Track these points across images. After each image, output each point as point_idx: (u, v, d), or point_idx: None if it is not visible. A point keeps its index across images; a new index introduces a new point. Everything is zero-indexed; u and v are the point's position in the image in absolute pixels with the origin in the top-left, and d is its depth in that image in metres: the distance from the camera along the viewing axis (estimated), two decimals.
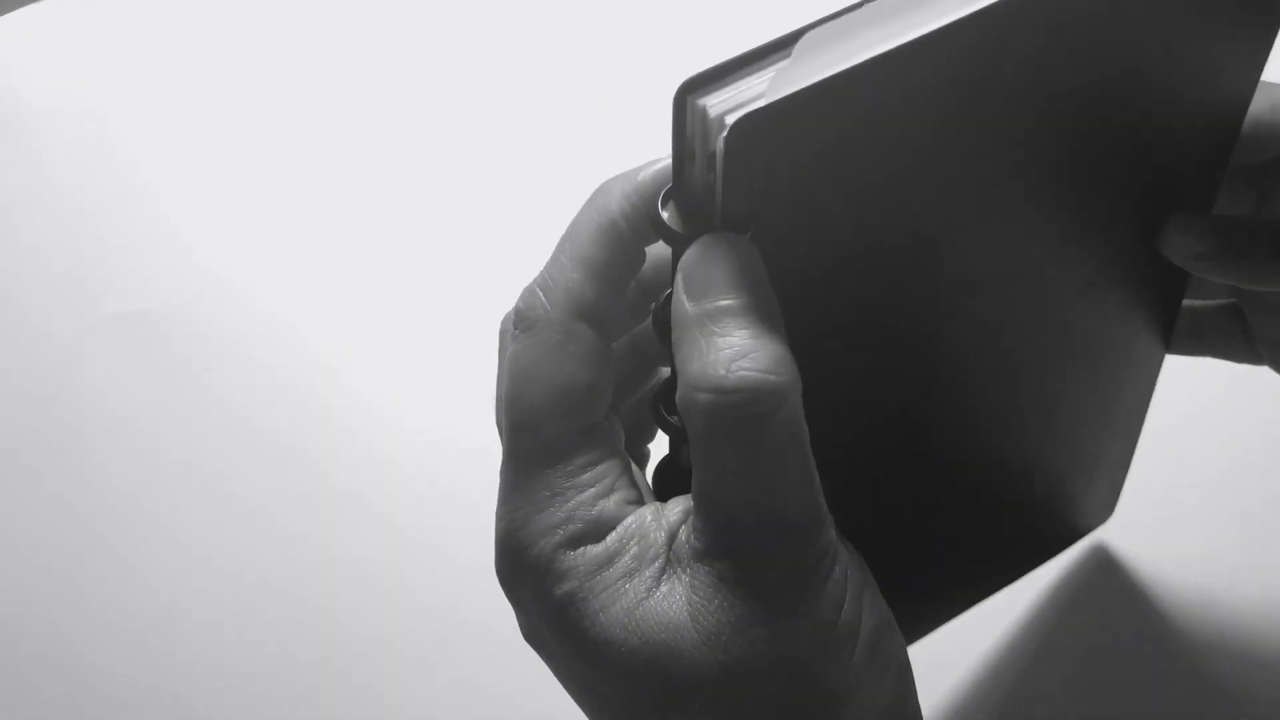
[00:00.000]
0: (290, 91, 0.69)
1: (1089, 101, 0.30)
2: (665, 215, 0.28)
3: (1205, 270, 0.35)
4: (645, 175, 0.29)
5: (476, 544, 0.54)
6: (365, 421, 0.57)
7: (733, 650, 0.26)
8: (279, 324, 0.60)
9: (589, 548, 0.28)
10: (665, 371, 0.34)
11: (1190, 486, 0.52)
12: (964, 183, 0.30)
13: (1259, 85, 0.34)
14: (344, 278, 0.62)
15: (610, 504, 0.28)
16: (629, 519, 0.28)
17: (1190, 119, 0.34)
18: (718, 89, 0.26)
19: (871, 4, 0.26)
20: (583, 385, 0.29)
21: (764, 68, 0.26)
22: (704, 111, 0.26)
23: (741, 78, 0.26)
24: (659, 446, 0.34)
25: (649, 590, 0.27)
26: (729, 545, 0.27)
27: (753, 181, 0.26)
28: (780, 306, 0.27)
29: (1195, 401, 0.53)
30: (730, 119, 0.25)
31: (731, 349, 0.26)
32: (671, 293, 0.28)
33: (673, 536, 0.28)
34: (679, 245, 0.28)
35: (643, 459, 0.36)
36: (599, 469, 0.29)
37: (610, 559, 0.28)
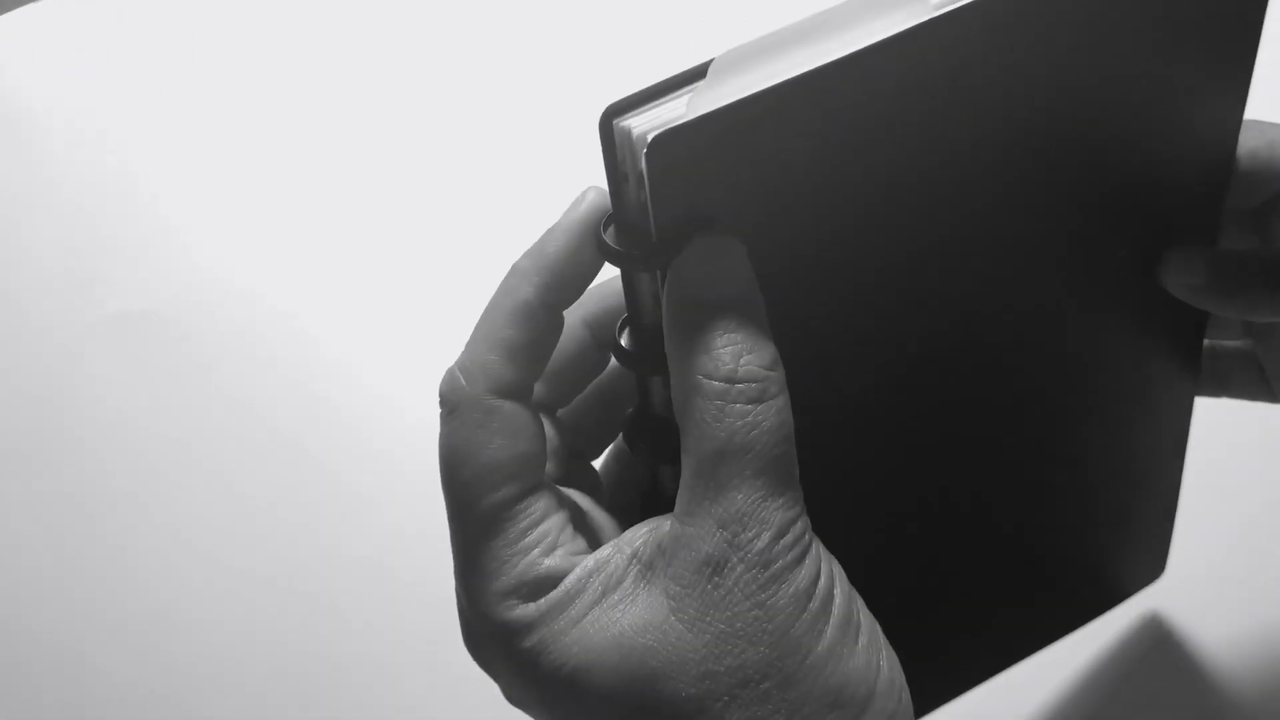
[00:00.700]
0: (290, 91, 0.69)
1: (1038, 128, 0.31)
2: (607, 237, 0.29)
3: (1203, 301, 0.37)
4: (551, 249, 0.30)
5: None
6: (366, 420, 0.57)
7: (718, 624, 0.27)
8: (279, 323, 0.60)
9: (546, 597, 0.29)
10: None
11: (1248, 544, 0.49)
12: (914, 202, 0.30)
13: (1252, 124, 0.35)
14: (344, 276, 0.62)
15: (557, 558, 0.29)
16: (586, 561, 0.29)
17: (1177, 149, 0.34)
18: (641, 112, 0.27)
19: (785, 29, 0.27)
20: (508, 458, 0.30)
21: (686, 91, 0.28)
22: (629, 133, 0.27)
23: (665, 101, 0.28)
24: None
25: (626, 603, 0.28)
26: (718, 514, 0.27)
27: (682, 195, 0.27)
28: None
29: (1246, 450, 0.50)
30: (651, 137, 0.26)
31: (735, 345, 0.28)
32: (628, 318, 0.30)
33: (636, 554, 0.29)
34: (623, 264, 0.29)
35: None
36: (540, 529, 0.30)
37: (571, 599, 0.29)
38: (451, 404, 0.30)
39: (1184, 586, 0.47)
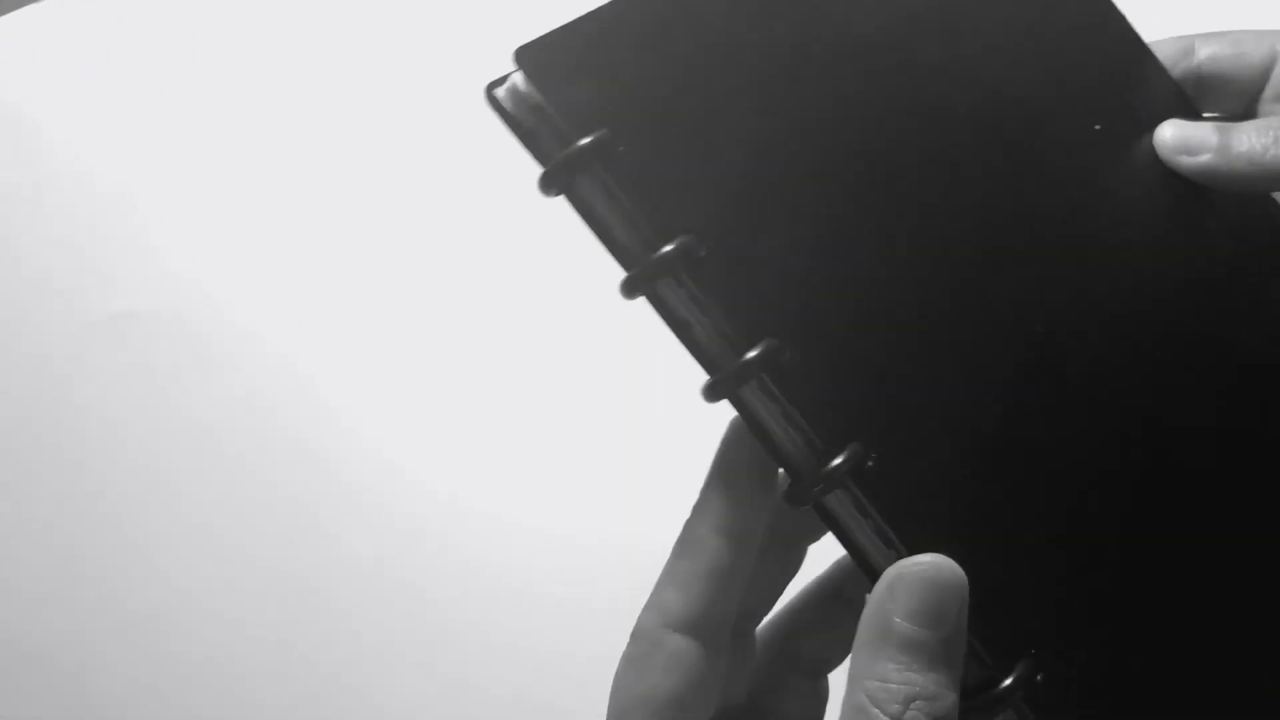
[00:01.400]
0: (290, 91, 0.69)
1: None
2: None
3: (1193, 170, 0.33)
4: (709, 485, 0.30)
5: (477, 543, 0.54)
6: (367, 420, 0.57)
7: None
8: (279, 323, 0.60)
9: None
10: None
11: None
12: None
13: (1211, 36, 0.34)
14: (345, 276, 0.62)
15: None
16: None
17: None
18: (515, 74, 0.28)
19: None
20: (664, 693, 0.29)
21: None
22: (508, 84, 0.28)
23: None
24: None
25: None
26: None
27: (574, 94, 0.27)
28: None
29: None
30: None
31: (915, 687, 0.26)
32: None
33: None
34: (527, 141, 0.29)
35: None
36: None
37: None
38: (633, 634, 0.30)
39: None
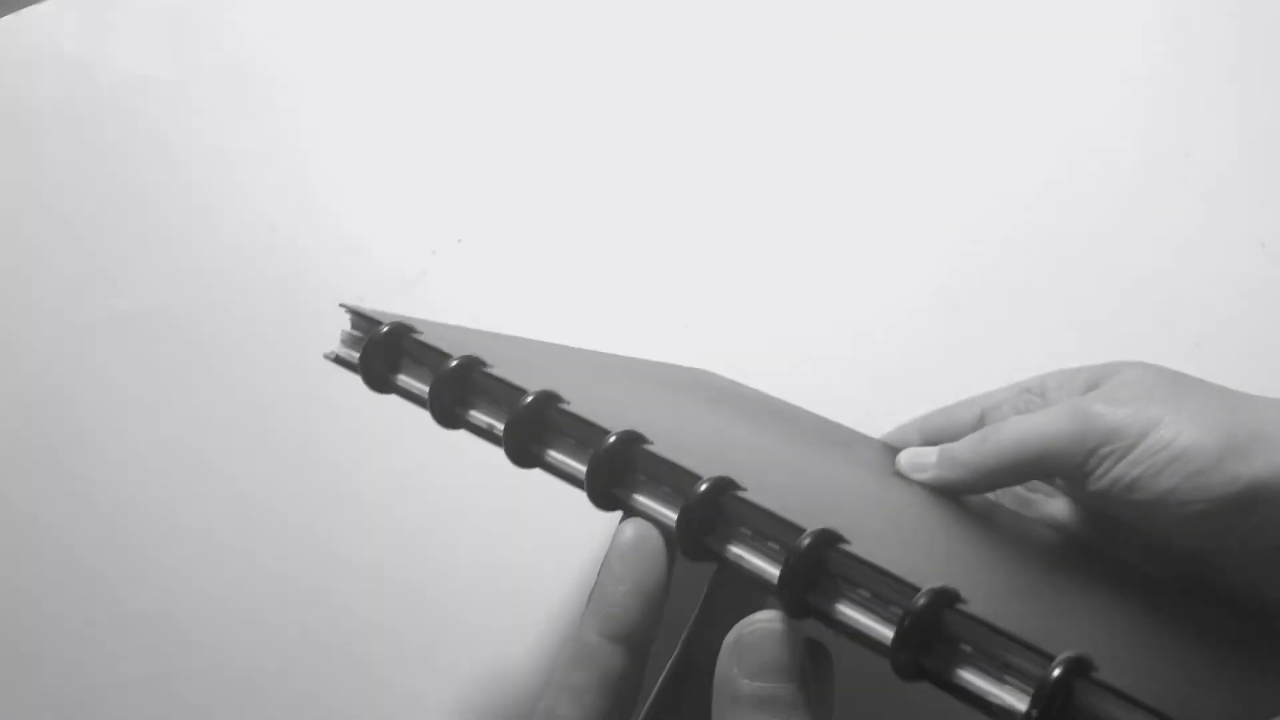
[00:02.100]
0: (289, 91, 0.69)
1: None
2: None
3: (926, 481, 0.42)
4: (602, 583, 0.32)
5: (477, 543, 0.54)
6: (367, 420, 0.57)
7: None
8: (280, 323, 0.60)
9: None
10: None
11: None
12: None
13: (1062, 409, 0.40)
14: (345, 277, 0.62)
15: None
16: None
17: None
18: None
19: None
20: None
21: None
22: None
23: None
24: None
25: None
26: None
27: None
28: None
29: None
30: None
31: None
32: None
33: None
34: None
35: None
36: None
37: None
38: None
39: None
